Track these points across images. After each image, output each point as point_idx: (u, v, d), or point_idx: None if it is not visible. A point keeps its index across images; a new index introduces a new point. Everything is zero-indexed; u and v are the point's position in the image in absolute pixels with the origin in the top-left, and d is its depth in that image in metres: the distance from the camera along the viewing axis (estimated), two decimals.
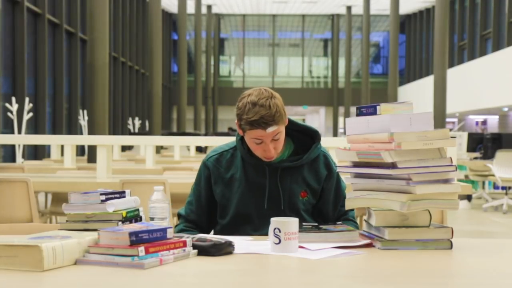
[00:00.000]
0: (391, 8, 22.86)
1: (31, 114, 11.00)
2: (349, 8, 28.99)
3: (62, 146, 9.86)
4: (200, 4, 25.24)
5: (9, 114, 10.67)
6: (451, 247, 1.83)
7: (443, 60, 15.12)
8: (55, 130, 14.83)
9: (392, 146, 1.77)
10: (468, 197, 9.29)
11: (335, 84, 31.29)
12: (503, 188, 9.98)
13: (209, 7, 29.56)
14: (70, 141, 6.35)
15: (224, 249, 1.73)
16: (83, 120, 13.91)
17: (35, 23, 13.72)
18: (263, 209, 2.23)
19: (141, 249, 1.55)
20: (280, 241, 1.76)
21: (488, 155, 9.58)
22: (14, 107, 10.45)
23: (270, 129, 2.13)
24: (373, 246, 1.85)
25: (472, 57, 20.95)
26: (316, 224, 2.03)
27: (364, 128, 1.90)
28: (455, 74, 19.11)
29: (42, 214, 5.33)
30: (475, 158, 9.86)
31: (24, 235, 1.68)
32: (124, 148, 16.58)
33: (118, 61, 20.66)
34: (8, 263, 1.51)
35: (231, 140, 2.40)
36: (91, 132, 10.05)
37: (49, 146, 12.65)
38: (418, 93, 24.24)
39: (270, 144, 2.16)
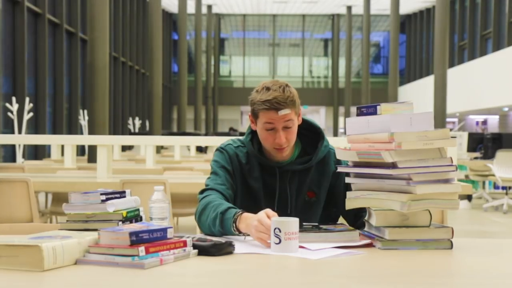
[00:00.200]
0: (391, 8, 22.86)
1: (31, 114, 11.00)
2: (349, 8, 29.00)
3: (62, 146, 9.86)
4: (200, 4, 25.25)
5: (9, 114, 10.68)
6: (451, 247, 1.83)
7: (443, 60, 15.12)
8: (55, 130, 14.83)
9: (393, 146, 1.77)
10: (469, 197, 9.29)
11: (335, 84, 31.29)
12: (503, 188, 9.97)
13: (209, 7, 29.56)
14: (70, 141, 6.35)
15: (224, 249, 1.73)
16: (83, 120, 13.91)
17: (36, 23, 13.72)
18: (273, 210, 2.23)
19: (142, 249, 1.55)
20: (280, 241, 1.76)
21: (489, 155, 9.58)
22: (15, 107, 10.45)
23: (282, 112, 2.13)
24: (373, 246, 1.85)
25: (472, 57, 20.95)
26: (316, 224, 2.03)
27: (365, 128, 1.90)
28: (455, 74, 19.11)
29: (42, 214, 5.33)
30: (476, 158, 9.86)
31: (25, 235, 1.68)
32: (124, 148, 16.59)
33: (118, 61, 20.66)
34: (8, 263, 1.51)
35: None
36: (91, 132, 10.06)
37: (49, 146, 12.66)
38: (419, 93, 24.24)
39: (282, 132, 2.16)
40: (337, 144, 4.84)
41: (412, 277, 1.50)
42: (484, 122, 21.93)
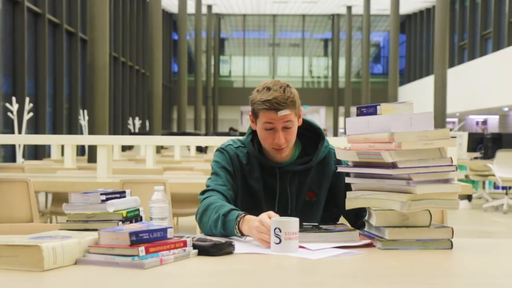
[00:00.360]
0: (391, 8, 22.86)
1: (31, 114, 11.00)
2: (349, 8, 29.00)
3: (62, 146, 9.86)
4: (200, 4, 25.25)
5: (9, 114, 10.68)
6: (451, 247, 1.83)
7: (443, 60, 15.12)
8: (55, 130, 14.83)
9: (393, 146, 1.77)
10: (469, 197, 9.29)
11: (335, 84, 31.29)
12: (503, 188, 9.97)
13: (209, 7, 29.57)
14: (70, 141, 6.36)
15: (224, 249, 1.73)
16: (83, 120, 13.91)
17: (36, 23, 13.72)
18: (273, 210, 2.23)
19: (142, 249, 1.55)
20: (280, 241, 1.76)
21: (489, 155, 9.58)
22: (15, 107, 10.45)
23: (282, 112, 2.13)
24: (373, 246, 1.85)
25: (472, 57, 20.95)
26: (316, 224, 2.03)
27: (365, 128, 1.90)
28: (455, 74, 19.11)
29: (42, 214, 5.33)
30: (476, 158, 9.86)
31: (25, 235, 1.68)
32: (124, 148, 16.59)
33: (118, 61, 20.66)
34: (8, 263, 1.51)
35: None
36: (91, 132, 10.06)
37: (49, 146, 12.66)
38: (419, 93, 24.24)
39: (281, 133, 2.16)
40: (337, 144, 4.84)
41: (412, 277, 1.50)
42: (484, 122, 21.93)
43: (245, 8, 30.63)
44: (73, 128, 16.08)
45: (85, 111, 13.42)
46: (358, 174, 1.95)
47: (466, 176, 9.84)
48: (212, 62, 31.04)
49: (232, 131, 20.61)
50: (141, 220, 1.96)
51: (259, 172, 2.26)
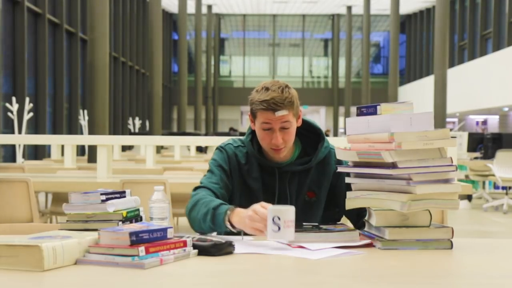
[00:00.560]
0: (391, 8, 22.87)
1: (31, 114, 11.00)
2: (349, 8, 29.00)
3: (62, 146, 9.86)
4: (200, 4, 25.25)
5: (9, 114, 10.68)
6: (451, 247, 1.83)
7: (443, 60, 15.12)
8: (55, 130, 14.83)
9: (393, 146, 1.77)
10: (469, 197, 9.29)
11: (336, 84, 31.30)
12: (503, 188, 9.97)
13: (209, 7, 29.57)
14: (70, 141, 6.35)
15: (224, 249, 1.73)
16: (83, 120, 13.91)
17: (35, 23, 13.72)
18: None
19: (142, 249, 1.55)
20: (279, 229, 1.78)
21: (489, 155, 9.58)
22: (15, 107, 10.45)
23: (279, 113, 2.13)
24: (373, 246, 1.85)
25: (472, 57, 20.96)
26: (316, 224, 2.03)
27: (365, 128, 1.90)
28: (455, 74, 19.11)
29: (42, 214, 5.33)
30: (476, 158, 9.86)
31: (24, 235, 1.68)
32: (124, 148, 16.58)
33: (118, 61, 20.66)
34: (8, 263, 1.51)
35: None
36: (91, 132, 10.06)
37: (49, 146, 12.66)
38: (419, 93, 24.25)
39: (279, 133, 2.16)
40: (337, 144, 4.84)
41: (412, 277, 1.50)
42: (484, 122, 21.94)
43: (245, 8, 30.63)
44: (73, 128, 16.08)
45: (85, 111, 13.42)
46: (358, 174, 1.95)
47: (466, 176, 9.84)
48: (212, 62, 31.04)
49: (232, 131, 20.62)
50: (141, 220, 1.96)
51: (258, 172, 2.26)
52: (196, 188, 2.22)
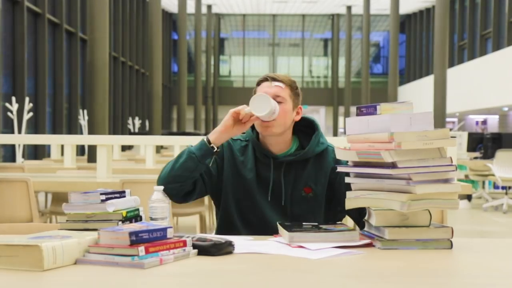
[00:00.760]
0: (391, 8, 22.87)
1: (31, 114, 11.00)
2: (349, 8, 29.00)
3: (62, 146, 9.86)
4: (200, 4, 25.25)
5: (9, 114, 10.68)
6: (451, 247, 1.83)
7: (443, 60, 15.12)
8: (55, 130, 14.83)
9: (392, 146, 1.77)
10: (468, 197, 9.29)
11: (335, 84, 31.30)
12: (503, 187, 9.98)
13: (209, 7, 29.56)
14: (70, 141, 6.35)
15: (224, 249, 1.73)
16: (83, 120, 13.91)
17: (35, 23, 13.72)
18: (267, 201, 2.25)
19: (141, 249, 1.55)
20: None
21: (488, 155, 9.58)
22: (14, 107, 10.45)
23: (276, 83, 2.23)
24: (373, 246, 1.85)
25: (472, 57, 20.95)
26: (316, 224, 2.03)
27: (364, 128, 1.90)
28: (455, 74, 19.11)
29: (42, 214, 5.33)
30: (475, 157, 9.86)
31: (24, 235, 1.68)
32: (124, 148, 16.58)
33: (118, 61, 20.66)
34: (8, 263, 1.51)
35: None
36: (91, 132, 10.06)
37: (49, 146, 12.66)
38: (418, 93, 24.25)
39: None
40: (337, 144, 4.84)
41: (412, 277, 1.50)
42: (484, 122, 21.94)
43: (245, 8, 30.63)
44: (73, 128, 16.08)
45: (85, 111, 13.42)
46: (358, 174, 1.96)
47: (466, 176, 9.84)
48: (212, 62, 31.04)
49: None
50: (141, 220, 1.96)
51: (253, 163, 2.27)
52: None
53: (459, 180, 8.61)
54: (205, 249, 1.71)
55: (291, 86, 2.26)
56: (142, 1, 24.08)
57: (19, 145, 10.60)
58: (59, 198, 5.31)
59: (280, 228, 1.97)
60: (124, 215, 1.88)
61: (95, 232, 1.64)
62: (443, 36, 15.14)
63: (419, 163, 1.80)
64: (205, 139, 2.16)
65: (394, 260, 1.68)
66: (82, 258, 1.59)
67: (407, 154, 1.79)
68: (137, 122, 20.45)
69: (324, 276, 1.50)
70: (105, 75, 10.05)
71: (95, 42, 10.07)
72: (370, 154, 1.85)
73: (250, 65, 33.54)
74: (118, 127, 20.44)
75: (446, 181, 1.83)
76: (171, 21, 30.15)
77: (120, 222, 1.85)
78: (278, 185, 2.26)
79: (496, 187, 10.57)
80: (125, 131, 20.82)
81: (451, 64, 21.82)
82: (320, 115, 35.02)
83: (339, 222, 2.13)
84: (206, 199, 5.05)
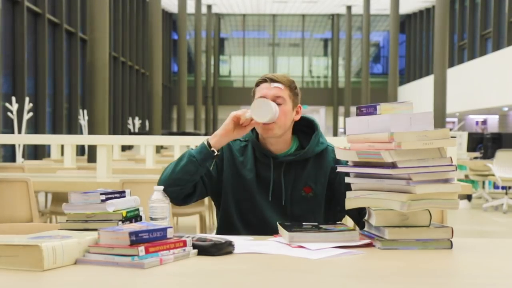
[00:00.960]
0: (391, 8, 22.86)
1: (31, 114, 11.00)
2: (349, 8, 28.99)
3: (62, 146, 9.86)
4: (200, 4, 25.24)
5: (9, 114, 10.68)
6: (451, 247, 1.83)
7: (443, 60, 15.12)
8: (55, 130, 14.83)
9: (392, 146, 1.77)
10: (468, 197, 9.29)
11: (335, 84, 31.29)
12: (503, 187, 9.97)
13: (209, 7, 29.56)
14: (70, 141, 6.35)
15: (224, 249, 1.73)
16: (83, 120, 13.91)
17: (35, 23, 13.72)
18: (267, 202, 2.25)
19: (141, 249, 1.55)
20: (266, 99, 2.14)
21: (488, 155, 9.58)
22: (14, 107, 10.45)
23: (275, 84, 2.23)
24: (373, 246, 1.85)
25: (472, 57, 20.95)
26: (316, 224, 2.03)
27: (364, 128, 1.90)
28: (455, 74, 19.11)
29: (42, 214, 5.33)
30: (475, 157, 9.86)
31: (24, 235, 1.68)
32: (124, 148, 16.58)
33: (118, 61, 20.66)
34: (8, 263, 1.51)
35: None
36: (91, 132, 10.06)
37: (49, 146, 12.65)
38: (418, 93, 24.25)
39: None
40: (337, 144, 4.83)
41: (412, 277, 1.50)
42: (484, 122, 21.93)
43: (245, 8, 30.62)
44: (73, 128, 16.08)
45: (85, 111, 13.42)
46: (358, 174, 1.96)
47: (466, 176, 9.84)
48: (212, 62, 31.04)
49: None
50: (141, 220, 1.96)
51: (253, 164, 2.27)
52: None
53: (459, 180, 8.61)
54: (205, 249, 1.71)
55: (290, 86, 2.26)
56: (142, 1, 24.08)
57: (19, 145, 10.60)
58: (59, 198, 5.31)
59: (280, 228, 1.97)
60: (124, 215, 1.88)
61: (95, 232, 1.64)
62: (443, 36, 15.14)
63: (419, 163, 1.80)
64: (205, 143, 2.16)
65: (394, 260, 1.68)
66: (82, 258, 1.59)
67: (407, 154, 1.79)
68: (137, 122, 20.45)
69: (324, 276, 1.50)
70: (105, 75, 10.05)
71: (95, 42, 10.07)
72: (370, 154, 1.85)
73: (250, 65, 33.54)
74: (118, 127, 20.44)
75: (446, 181, 1.83)
76: (171, 21, 30.15)
77: (120, 222, 1.85)
78: (278, 185, 2.27)
79: (496, 187, 10.57)
80: (125, 131, 20.82)
81: (451, 64, 21.82)
82: (320, 115, 35.02)
83: (339, 222, 2.13)
84: (206, 199, 5.05)
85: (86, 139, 6.70)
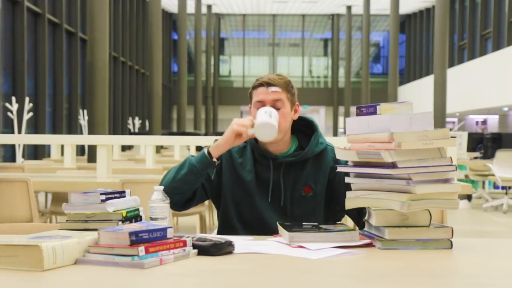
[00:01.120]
0: (391, 7, 22.86)
1: (31, 114, 11.00)
2: (349, 8, 28.99)
3: (62, 146, 9.86)
4: (200, 3, 25.25)
5: (9, 114, 10.68)
6: (451, 247, 1.83)
7: (443, 60, 15.12)
8: (55, 130, 14.83)
9: (392, 146, 1.77)
10: (468, 197, 9.29)
11: (335, 84, 31.29)
12: (503, 187, 9.97)
13: (209, 7, 29.56)
14: (70, 140, 6.35)
15: (224, 249, 1.73)
16: (83, 120, 13.91)
17: (35, 23, 13.72)
18: (267, 203, 2.25)
19: (141, 249, 1.55)
20: (271, 116, 2.11)
21: (488, 155, 9.58)
22: (14, 107, 10.45)
23: (273, 88, 2.22)
24: (373, 246, 1.85)
25: (472, 57, 20.95)
26: (316, 224, 2.03)
27: (364, 128, 1.90)
28: (455, 74, 19.11)
29: (42, 214, 5.33)
30: (475, 157, 9.86)
31: (24, 235, 1.68)
32: (124, 148, 16.58)
33: (118, 61, 20.66)
34: (8, 263, 1.51)
35: None
36: (91, 132, 10.06)
37: (49, 146, 12.65)
38: (418, 93, 24.25)
39: None
40: (337, 144, 4.83)
41: (412, 277, 1.50)
42: (484, 122, 21.94)
43: (245, 8, 30.62)
44: (73, 128, 16.08)
45: (85, 111, 13.42)
46: (358, 174, 1.96)
47: (466, 176, 9.84)
48: (212, 62, 31.04)
49: None
50: (141, 220, 1.96)
51: (252, 165, 2.27)
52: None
53: (459, 180, 8.61)
54: (205, 249, 1.71)
55: (287, 88, 2.25)
56: (142, 1, 24.08)
57: (19, 145, 10.60)
58: (59, 198, 5.31)
59: (280, 228, 1.97)
60: (124, 215, 1.88)
61: (95, 232, 1.64)
62: (443, 36, 15.14)
63: (419, 163, 1.80)
64: (205, 152, 2.16)
65: (394, 260, 1.68)
66: (82, 258, 1.59)
67: (407, 154, 1.79)
68: (137, 122, 20.45)
69: (324, 276, 1.50)
70: (105, 75, 10.05)
71: (95, 42, 10.07)
72: (370, 154, 1.85)
73: (250, 65, 33.54)
74: (118, 127, 20.44)
75: (446, 181, 1.83)
76: (171, 21, 30.15)
77: (120, 222, 1.85)
78: (277, 186, 2.26)
79: (496, 187, 10.57)
80: (125, 131, 20.82)
81: (451, 64, 21.82)
82: (320, 115, 35.02)
83: (339, 222, 2.13)
84: None
85: (86, 139, 6.70)
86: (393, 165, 1.79)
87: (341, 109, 30.11)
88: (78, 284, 1.42)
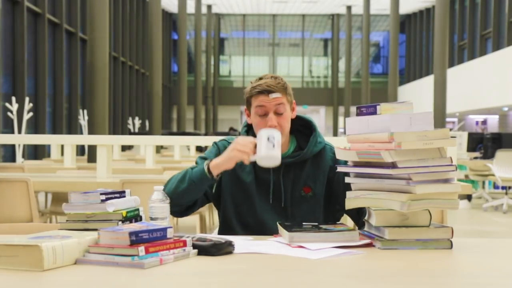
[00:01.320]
0: (391, 7, 22.86)
1: (31, 114, 11.00)
2: (349, 8, 28.99)
3: (62, 146, 9.85)
4: (200, 4, 25.24)
5: (9, 114, 10.68)
6: (451, 247, 1.83)
7: (443, 60, 15.12)
8: (55, 130, 14.83)
9: (392, 146, 1.77)
10: (468, 197, 9.29)
11: (335, 84, 31.29)
12: (503, 187, 9.97)
13: (209, 7, 29.56)
14: (70, 140, 6.35)
15: (224, 249, 1.73)
16: (83, 120, 13.91)
17: (35, 23, 13.72)
18: (267, 204, 2.25)
19: (141, 249, 1.55)
20: (274, 146, 2.01)
21: (488, 155, 9.58)
22: (14, 107, 10.45)
23: (273, 95, 2.20)
24: (373, 246, 1.85)
25: (472, 57, 20.95)
26: (316, 224, 2.03)
27: (364, 128, 1.90)
28: (455, 74, 19.10)
29: (42, 214, 5.33)
30: (475, 157, 9.86)
31: (24, 235, 1.68)
32: (124, 148, 16.58)
33: (118, 61, 20.65)
34: (8, 263, 1.51)
35: None
36: (91, 132, 10.06)
37: (49, 146, 12.65)
38: (418, 93, 24.25)
39: (273, 116, 2.20)
40: (337, 144, 4.83)
41: (412, 277, 1.50)
42: (484, 122, 21.94)
43: (245, 8, 30.62)
44: (73, 128, 16.08)
45: (85, 111, 13.42)
46: (358, 174, 1.96)
47: (466, 176, 9.84)
48: (212, 62, 31.04)
49: (232, 131, 20.60)
50: (141, 220, 1.96)
51: (251, 166, 2.27)
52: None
53: (459, 180, 8.61)
54: (205, 249, 1.71)
55: (285, 91, 2.24)
56: (142, 1, 24.08)
57: (19, 145, 10.60)
58: (59, 198, 5.31)
59: (280, 228, 1.97)
60: (124, 215, 1.88)
61: (95, 232, 1.64)
62: (443, 36, 15.14)
63: (419, 163, 1.80)
64: (205, 169, 2.12)
65: (394, 260, 1.68)
66: (82, 258, 1.59)
67: (407, 154, 1.79)
68: (137, 122, 20.44)
69: (324, 276, 1.51)
70: (105, 75, 10.05)
71: (95, 42, 10.07)
72: (370, 154, 1.85)
73: (250, 65, 33.53)
74: (118, 127, 20.44)
75: (446, 181, 1.83)
76: (171, 21, 30.14)
77: (120, 222, 1.85)
78: (277, 187, 2.26)
79: (496, 187, 10.57)
80: (125, 131, 20.81)
81: (451, 64, 21.82)
82: (320, 115, 35.03)
83: (339, 222, 2.13)
84: None
85: (86, 139, 6.70)
86: (393, 165, 1.79)
87: (341, 109, 30.12)
88: (78, 284, 1.42)
